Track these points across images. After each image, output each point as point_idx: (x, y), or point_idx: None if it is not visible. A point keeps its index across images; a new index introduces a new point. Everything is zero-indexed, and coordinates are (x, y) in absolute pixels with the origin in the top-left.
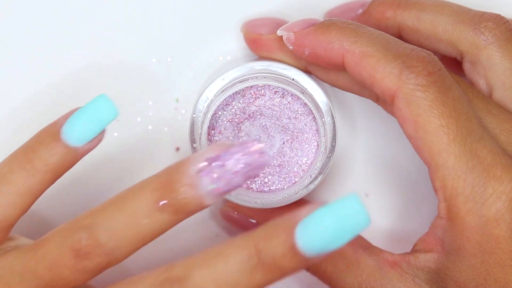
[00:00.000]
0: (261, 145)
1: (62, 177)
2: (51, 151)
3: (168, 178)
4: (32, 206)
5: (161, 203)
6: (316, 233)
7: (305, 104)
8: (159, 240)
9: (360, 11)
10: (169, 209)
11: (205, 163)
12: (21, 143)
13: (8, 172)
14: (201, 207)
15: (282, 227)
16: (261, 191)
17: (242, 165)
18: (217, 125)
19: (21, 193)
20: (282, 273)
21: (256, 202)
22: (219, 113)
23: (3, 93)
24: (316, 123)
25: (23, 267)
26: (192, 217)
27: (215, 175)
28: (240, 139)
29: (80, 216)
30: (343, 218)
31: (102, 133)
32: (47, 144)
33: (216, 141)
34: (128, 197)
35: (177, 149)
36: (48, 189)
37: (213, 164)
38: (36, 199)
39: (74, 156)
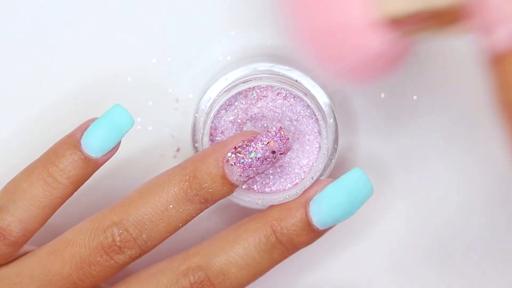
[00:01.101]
0: (285, 132)
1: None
2: (73, 164)
3: (195, 169)
4: None
5: (190, 194)
6: (329, 209)
7: (308, 105)
8: None
9: None
10: (198, 199)
11: (232, 151)
12: (21, 148)
13: (29, 186)
14: (228, 194)
15: (295, 206)
16: (262, 192)
17: (267, 152)
18: (219, 125)
19: (43, 207)
20: (298, 248)
21: (257, 203)
22: (222, 113)
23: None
24: (318, 125)
25: (46, 271)
26: None
27: (241, 163)
28: None
29: (105, 212)
30: (353, 192)
31: (119, 142)
32: (67, 156)
33: (218, 141)
34: (156, 189)
35: (177, 149)
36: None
37: (240, 151)
38: (56, 211)
39: (94, 167)
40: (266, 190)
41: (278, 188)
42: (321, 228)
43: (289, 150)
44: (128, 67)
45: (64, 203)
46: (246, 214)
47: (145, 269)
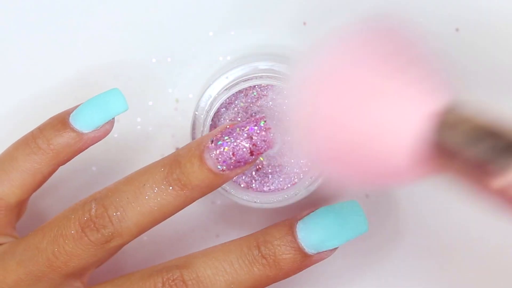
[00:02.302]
0: (267, 123)
1: (62, 178)
2: (56, 132)
3: (177, 155)
4: (33, 209)
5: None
6: (314, 228)
7: None
8: (159, 241)
9: None
10: (177, 183)
11: (211, 140)
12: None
13: (13, 149)
14: (209, 184)
15: (283, 223)
16: (260, 191)
17: (247, 140)
18: (219, 123)
19: (23, 171)
20: (281, 268)
21: (255, 202)
22: (222, 111)
23: (2, 94)
24: None
25: (27, 246)
26: (193, 217)
27: (220, 150)
28: None
29: (91, 194)
30: (343, 217)
31: (109, 124)
32: (53, 125)
33: None
34: (138, 173)
35: (177, 149)
36: (48, 191)
37: (220, 140)
38: (39, 180)
39: (78, 141)
40: (264, 189)
41: (276, 187)
42: (306, 248)
43: (270, 141)
44: (128, 67)
45: (65, 205)
46: (245, 213)
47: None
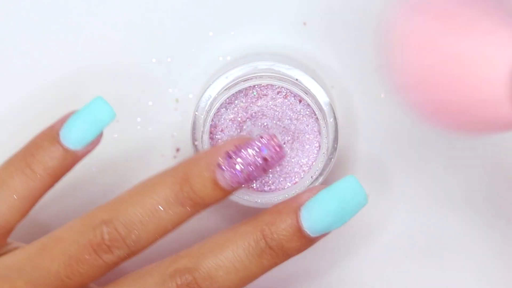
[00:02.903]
0: (278, 140)
1: (62, 179)
2: (50, 155)
3: (187, 172)
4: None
5: (180, 197)
6: (320, 216)
7: (308, 104)
8: (159, 240)
9: None
10: (189, 202)
11: (224, 156)
12: (17, 145)
13: (7, 177)
14: (220, 200)
15: (286, 211)
16: (261, 191)
17: (260, 158)
18: (219, 123)
19: (21, 198)
20: (289, 255)
21: (256, 201)
22: (222, 111)
23: (2, 93)
24: (318, 124)
25: (35, 266)
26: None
27: (233, 168)
28: None
29: (96, 210)
30: (345, 200)
31: (100, 136)
32: (45, 148)
33: (218, 139)
34: (147, 190)
35: (177, 150)
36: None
37: (232, 157)
38: (35, 203)
39: (73, 159)
40: (265, 189)
41: (277, 187)
42: (312, 234)
43: (282, 157)
44: (128, 67)
45: (61, 202)
46: (245, 213)
47: (135, 271)
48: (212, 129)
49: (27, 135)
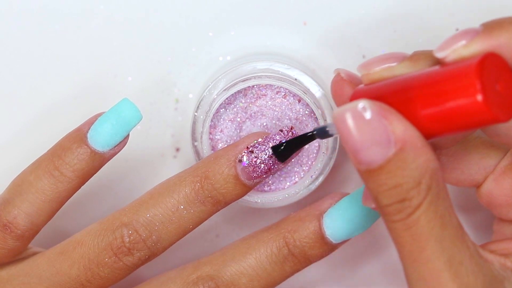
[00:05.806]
0: (295, 130)
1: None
2: (79, 157)
3: (207, 169)
4: None
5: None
6: (343, 223)
7: (307, 104)
8: None
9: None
10: (209, 200)
11: (244, 152)
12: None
13: (35, 179)
14: (240, 196)
15: (308, 218)
16: (261, 191)
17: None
18: (219, 123)
19: (49, 200)
20: (310, 261)
21: (256, 202)
22: (221, 111)
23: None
24: (318, 124)
25: (55, 272)
26: None
27: (254, 163)
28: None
29: (115, 213)
30: (366, 207)
31: (127, 137)
32: (73, 150)
33: (218, 139)
34: (167, 190)
35: (177, 149)
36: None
37: (253, 151)
38: (62, 205)
39: (101, 161)
40: (265, 188)
41: (277, 186)
42: (334, 241)
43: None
44: (128, 67)
45: (65, 205)
46: (245, 213)
47: (156, 277)
48: (212, 129)
49: (27, 135)
